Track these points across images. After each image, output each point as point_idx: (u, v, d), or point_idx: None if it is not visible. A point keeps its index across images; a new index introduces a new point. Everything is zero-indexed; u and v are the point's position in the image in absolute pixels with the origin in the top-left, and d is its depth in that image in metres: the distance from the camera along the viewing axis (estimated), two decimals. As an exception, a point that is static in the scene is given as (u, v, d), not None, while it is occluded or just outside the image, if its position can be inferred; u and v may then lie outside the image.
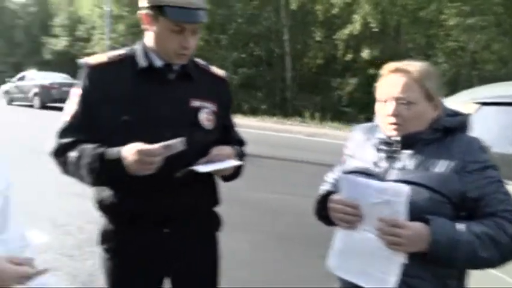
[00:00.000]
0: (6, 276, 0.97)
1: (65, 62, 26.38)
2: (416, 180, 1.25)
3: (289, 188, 6.02)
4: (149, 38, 1.49)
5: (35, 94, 17.63)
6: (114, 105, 1.43)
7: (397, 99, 1.30)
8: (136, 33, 19.37)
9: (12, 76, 20.71)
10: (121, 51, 1.54)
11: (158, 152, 1.30)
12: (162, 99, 1.47)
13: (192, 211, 1.52)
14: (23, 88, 18.31)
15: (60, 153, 1.45)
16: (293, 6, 17.34)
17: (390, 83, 1.32)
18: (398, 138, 1.32)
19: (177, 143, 1.33)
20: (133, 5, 20.48)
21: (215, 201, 1.63)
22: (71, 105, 1.49)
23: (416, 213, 1.20)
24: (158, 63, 1.49)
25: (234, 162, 1.48)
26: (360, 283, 1.28)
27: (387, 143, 1.34)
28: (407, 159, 1.31)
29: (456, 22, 14.50)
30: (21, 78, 19.01)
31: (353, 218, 1.27)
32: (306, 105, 16.98)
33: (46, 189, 5.31)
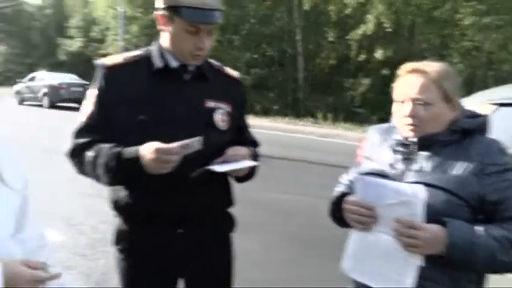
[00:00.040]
0: (21, 279, 0.98)
1: (80, 63, 26.73)
2: (433, 183, 1.23)
3: (301, 189, 6.00)
4: (164, 39, 1.50)
5: (45, 94, 18.08)
6: (129, 106, 1.44)
7: (414, 100, 1.28)
8: (149, 34, 19.54)
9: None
10: (137, 53, 1.55)
11: (176, 151, 1.31)
12: (177, 99, 1.47)
13: (207, 211, 1.52)
14: (33, 88, 18.80)
15: (76, 154, 1.46)
16: (306, 6, 17.29)
17: (408, 84, 1.31)
18: (415, 140, 1.31)
19: (194, 142, 1.34)
20: (146, 7, 20.70)
21: (229, 201, 1.63)
22: (88, 105, 1.50)
23: (433, 216, 1.19)
24: (173, 64, 1.50)
25: (250, 163, 1.48)
26: (375, 285, 1.27)
27: (404, 144, 1.33)
28: (424, 161, 1.29)
29: (471, 21, 14.30)
30: (32, 79, 19.50)
31: (368, 220, 1.26)
32: (319, 106, 16.91)
33: (58, 189, 5.37)
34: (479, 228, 1.19)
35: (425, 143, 1.30)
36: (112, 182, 1.45)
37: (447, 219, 1.18)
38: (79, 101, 17.78)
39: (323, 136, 12.38)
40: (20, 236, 1.13)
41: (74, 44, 28.41)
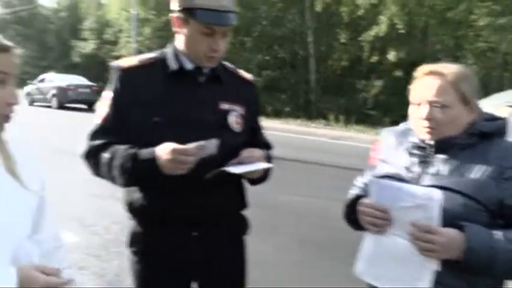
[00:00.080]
0: (35, 285, 0.99)
1: (93, 65, 27.05)
2: (450, 186, 1.21)
3: (314, 191, 5.98)
4: (179, 41, 1.50)
5: (53, 95, 18.50)
6: (144, 108, 1.44)
7: (431, 102, 1.27)
8: (162, 36, 19.69)
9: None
10: (152, 55, 1.56)
11: (192, 152, 1.31)
12: (192, 101, 1.48)
13: (222, 212, 1.52)
14: (43, 90, 19.23)
15: (92, 155, 1.47)
16: (318, 8, 17.26)
17: (425, 86, 1.29)
18: (432, 142, 1.29)
19: (210, 144, 1.34)
20: (159, 9, 20.86)
21: (243, 204, 1.63)
22: (103, 107, 1.51)
23: (450, 220, 1.17)
24: (188, 66, 1.50)
25: (264, 165, 1.48)
26: (389, 289, 1.25)
27: (421, 147, 1.31)
28: (440, 164, 1.27)
29: (486, 22, 14.12)
30: (42, 81, 19.93)
31: (382, 222, 1.25)
32: (331, 108, 16.85)
33: (70, 190, 5.42)
34: (498, 233, 1.17)
35: (442, 146, 1.28)
36: (128, 183, 1.45)
37: (464, 223, 1.17)
38: (85, 101, 18.19)
39: (335, 138, 12.31)
40: (36, 237, 1.14)
41: (88, 46, 28.79)
